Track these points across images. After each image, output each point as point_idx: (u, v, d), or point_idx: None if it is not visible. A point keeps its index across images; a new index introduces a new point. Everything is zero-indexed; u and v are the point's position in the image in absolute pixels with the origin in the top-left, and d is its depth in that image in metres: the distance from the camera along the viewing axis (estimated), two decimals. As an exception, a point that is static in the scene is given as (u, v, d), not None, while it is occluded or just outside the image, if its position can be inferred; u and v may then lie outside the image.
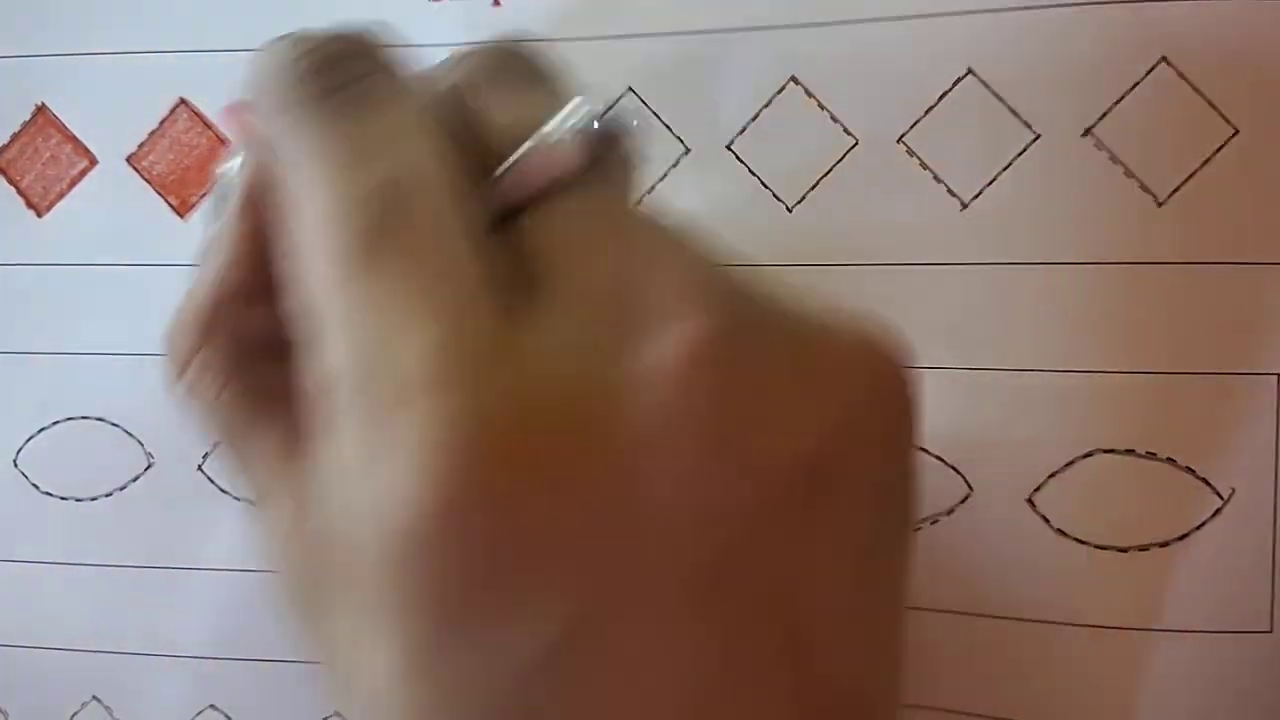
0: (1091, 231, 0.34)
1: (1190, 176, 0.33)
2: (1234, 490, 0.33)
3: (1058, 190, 0.34)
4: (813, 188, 0.36)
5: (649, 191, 0.36)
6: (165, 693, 0.39)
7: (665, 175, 0.37)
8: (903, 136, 0.35)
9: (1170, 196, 0.33)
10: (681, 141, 0.37)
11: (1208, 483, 0.33)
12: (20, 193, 0.40)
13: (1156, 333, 0.33)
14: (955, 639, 0.34)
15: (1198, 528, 0.33)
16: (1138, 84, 0.33)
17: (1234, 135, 0.33)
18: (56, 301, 0.40)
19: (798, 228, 0.36)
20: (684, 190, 0.36)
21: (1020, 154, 0.34)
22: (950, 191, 0.35)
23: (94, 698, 0.39)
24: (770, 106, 0.36)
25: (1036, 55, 0.34)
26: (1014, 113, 0.34)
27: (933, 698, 0.35)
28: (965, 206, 0.35)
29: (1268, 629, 0.33)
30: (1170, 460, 0.33)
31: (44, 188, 0.40)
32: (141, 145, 0.39)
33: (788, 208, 0.36)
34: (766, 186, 0.36)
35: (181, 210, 0.39)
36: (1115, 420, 0.34)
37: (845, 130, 0.35)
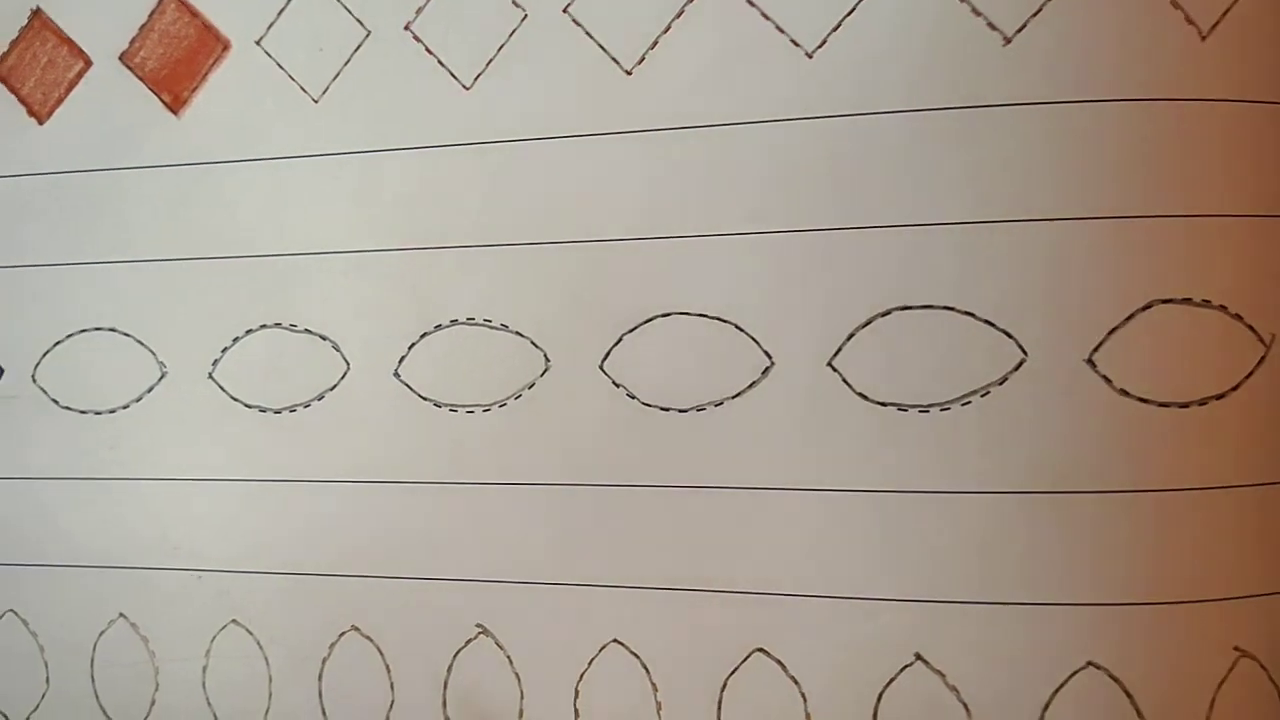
0: (1137, 68, 0.30)
1: (1229, 10, 0.30)
2: (1274, 336, 0.31)
3: (1103, 23, 0.30)
4: (835, 29, 0.32)
5: (652, 46, 0.33)
6: (189, 609, 0.38)
7: (669, 26, 0.33)
8: (936, -36, 0.31)
9: (1212, 30, 0.30)
10: (686, -14, 0.33)
11: (1253, 329, 0.30)
12: (21, 100, 0.39)
13: (1206, 173, 0.30)
14: (1015, 522, 0.31)
15: (1247, 377, 0.31)
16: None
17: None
18: (63, 210, 0.39)
19: (817, 77, 0.32)
20: (691, 40, 0.33)
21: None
22: (991, 25, 0.31)
23: (120, 615, 0.39)
24: (783, -59, 0.32)
25: None
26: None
27: (996, 590, 0.31)
28: (1008, 42, 0.31)
29: None
30: (1222, 308, 0.30)
31: (44, 94, 0.39)
32: (133, 41, 0.38)
33: (807, 54, 0.32)
34: (782, 31, 0.33)
35: (175, 107, 0.37)
36: (1171, 268, 0.30)
37: (870, -38, 0.32)
